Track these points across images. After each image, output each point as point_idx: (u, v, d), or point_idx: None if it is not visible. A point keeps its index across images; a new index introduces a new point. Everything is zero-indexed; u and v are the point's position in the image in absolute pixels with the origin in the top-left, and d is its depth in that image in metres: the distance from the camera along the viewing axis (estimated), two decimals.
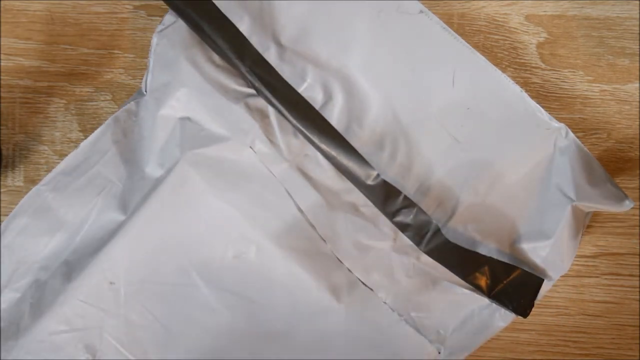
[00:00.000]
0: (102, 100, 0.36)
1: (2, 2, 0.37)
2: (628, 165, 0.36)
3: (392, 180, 0.33)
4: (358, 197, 0.33)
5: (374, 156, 0.33)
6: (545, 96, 0.36)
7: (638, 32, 0.36)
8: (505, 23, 0.36)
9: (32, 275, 0.33)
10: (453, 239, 0.32)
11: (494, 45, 0.36)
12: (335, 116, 0.33)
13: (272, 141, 0.33)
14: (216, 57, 0.33)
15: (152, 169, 0.33)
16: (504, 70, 0.35)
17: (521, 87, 0.33)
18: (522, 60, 0.36)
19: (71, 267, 0.33)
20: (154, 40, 0.33)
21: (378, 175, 0.32)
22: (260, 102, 0.33)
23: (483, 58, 0.33)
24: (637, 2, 0.36)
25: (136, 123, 0.33)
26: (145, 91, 0.33)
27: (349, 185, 0.33)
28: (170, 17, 0.33)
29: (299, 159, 0.33)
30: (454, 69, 0.33)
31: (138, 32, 0.37)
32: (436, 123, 0.33)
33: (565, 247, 0.33)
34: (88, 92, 0.36)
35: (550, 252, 0.32)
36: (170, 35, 0.33)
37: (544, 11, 0.36)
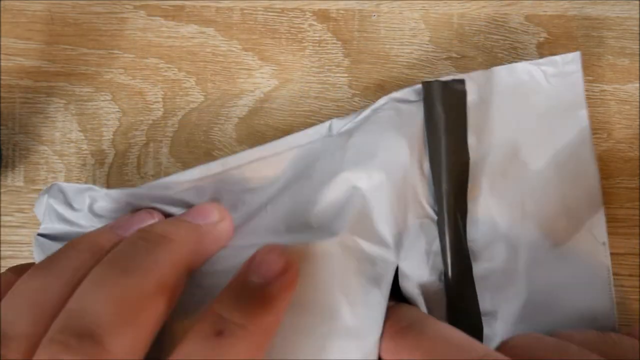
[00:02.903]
0: (102, 100, 0.36)
1: (2, 2, 0.36)
2: (628, 165, 0.36)
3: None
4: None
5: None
6: None
7: (638, 32, 0.36)
8: (505, 23, 0.36)
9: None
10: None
11: (494, 45, 0.36)
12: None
13: (413, 258, 0.30)
14: (426, 165, 0.30)
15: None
16: None
17: None
18: (522, 60, 0.36)
19: None
20: (383, 100, 0.30)
21: None
22: (431, 228, 0.30)
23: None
24: (637, 2, 0.36)
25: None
26: (335, 133, 0.30)
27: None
28: (411, 93, 0.30)
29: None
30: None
31: (138, 32, 0.37)
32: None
33: None
34: (88, 92, 0.36)
35: None
36: (400, 109, 0.30)
37: (544, 11, 0.36)
